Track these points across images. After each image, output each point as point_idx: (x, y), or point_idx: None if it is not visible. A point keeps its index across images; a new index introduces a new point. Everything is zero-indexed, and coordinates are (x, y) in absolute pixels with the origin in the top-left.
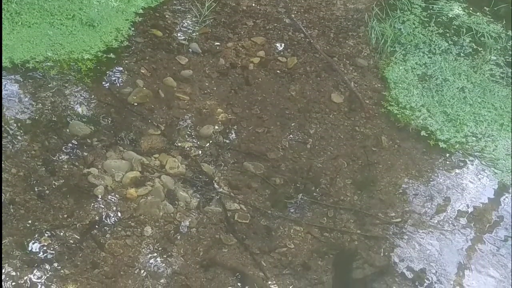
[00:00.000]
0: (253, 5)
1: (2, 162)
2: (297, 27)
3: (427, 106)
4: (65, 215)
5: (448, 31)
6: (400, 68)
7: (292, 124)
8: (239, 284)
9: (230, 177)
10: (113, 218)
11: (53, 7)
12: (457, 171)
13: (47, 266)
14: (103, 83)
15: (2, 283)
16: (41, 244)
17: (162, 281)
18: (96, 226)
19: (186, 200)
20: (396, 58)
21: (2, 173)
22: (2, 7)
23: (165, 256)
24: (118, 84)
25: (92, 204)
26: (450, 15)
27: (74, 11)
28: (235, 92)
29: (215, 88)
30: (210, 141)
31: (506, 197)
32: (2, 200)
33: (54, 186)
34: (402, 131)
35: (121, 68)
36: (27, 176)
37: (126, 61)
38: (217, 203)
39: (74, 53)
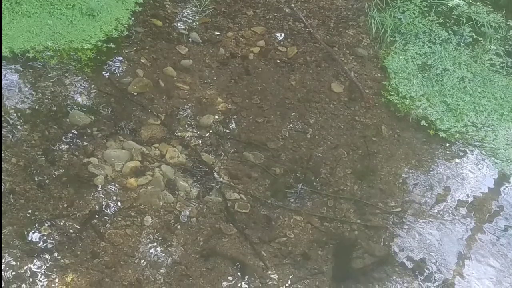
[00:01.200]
0: None
1: (2, 152)
2: (297, 17)
3: (427, 96)
4: (65, 205)
5: (448, 20)
6: (400, 57)
7: (292, 114)
8: (239, 273)
9: (230, 167)
10: (113, 208)
11: None
12: (457, 160)
13: (47, 256)
14: (103, 72)
15: (2, 272)
16: (41, 234)
17: (162, 270)
18: (96, 216)
19: (186, 190)
20: (396, 48)
21: (2, 163)
22: None
23: (165, 245)
24: (118, 74)
25: (92, 194)
26: (450, 5)
27: (74, 0)
28: (235, 81)
29: (215, 78)
30: (210, 131)
31: (506, 187)
32: (2, 190)
33: (54, 176)
34: (402, 121)
35: (121, 58)
36: (27, 166)
37: (126, 51)
38: (217, 193)
39: (74, 42)
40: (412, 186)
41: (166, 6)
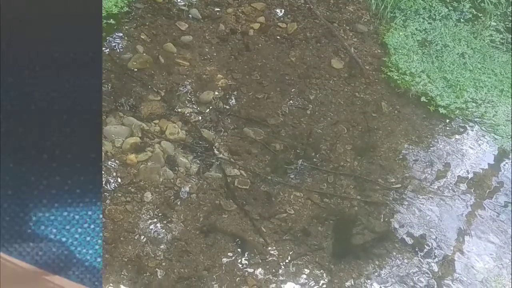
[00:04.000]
0: None
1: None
2: None
3: (427, 72)
4: None
5: None
6: (400, 34)
7: (292, 90)
8: (239, 249)
9: (230, 143)
10: (113, 184)
11: None
12: (457, 136)
13: None
14: (103, 49)
15: None
16: None
17: (162, 246)
18: None
19: (186, 166)
20: (396, 24)
21: None
22: None
23: (165, 221)
24: (118, 50)
25: None
26: None
27: None
28: (235, 58)
29: (215, 54)
30: (210, 107)
31: (506, 163)
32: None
33: None
34: (402, 97)
35: (121, 34)
36: None
37: (126, 27)
38: (217, 169)
39: None
40: (412, 162)
41: None
